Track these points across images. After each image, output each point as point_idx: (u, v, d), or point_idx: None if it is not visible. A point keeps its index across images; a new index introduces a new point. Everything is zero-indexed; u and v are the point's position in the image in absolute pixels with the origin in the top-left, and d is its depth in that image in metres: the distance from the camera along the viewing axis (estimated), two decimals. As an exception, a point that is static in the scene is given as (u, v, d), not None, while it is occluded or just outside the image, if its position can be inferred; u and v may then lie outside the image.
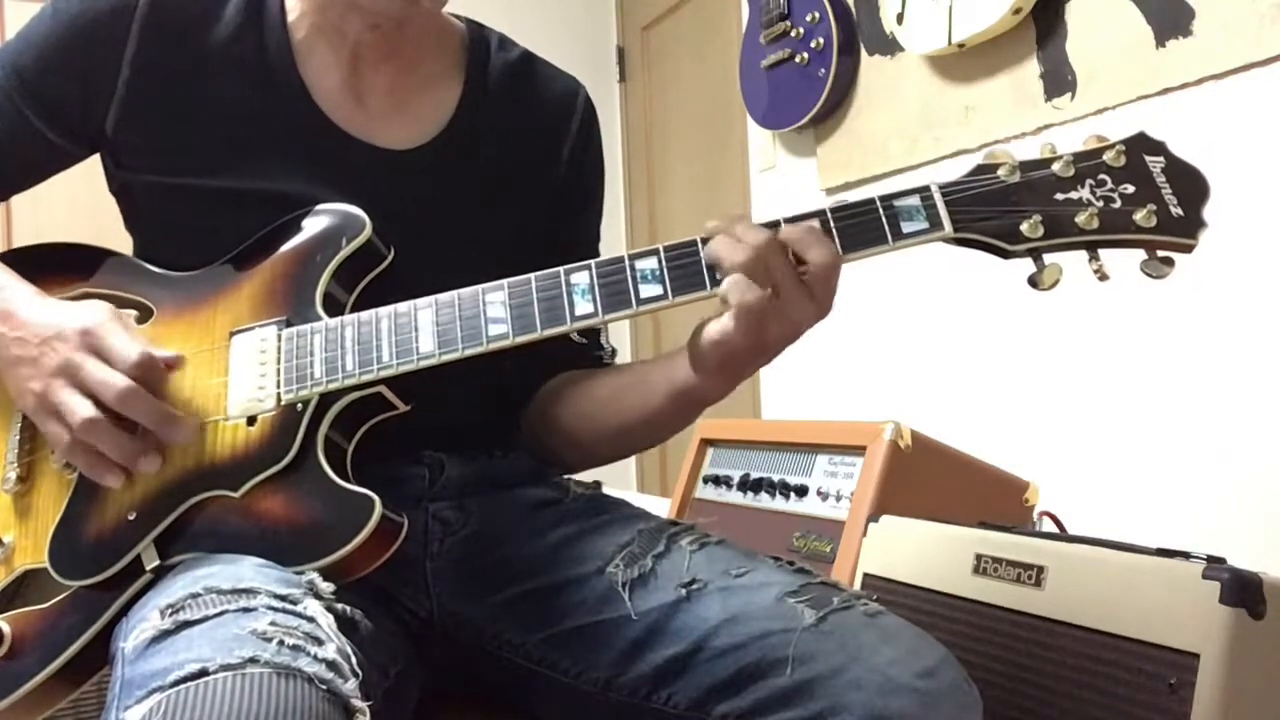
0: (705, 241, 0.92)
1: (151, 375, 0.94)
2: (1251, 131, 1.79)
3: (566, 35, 3.64)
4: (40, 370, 0.94)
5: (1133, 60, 1.97)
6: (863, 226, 0.92)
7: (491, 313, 0.94)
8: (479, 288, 0.95)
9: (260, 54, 1.07)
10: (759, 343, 0.91)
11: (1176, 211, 0.90)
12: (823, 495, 1.63)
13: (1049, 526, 1.65)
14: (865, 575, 1.34)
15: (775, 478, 1.73)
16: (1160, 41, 1.92)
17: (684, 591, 0.96)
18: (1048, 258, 0.92)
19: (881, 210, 0.92)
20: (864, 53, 2.63)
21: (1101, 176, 0.92)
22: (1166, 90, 1.91)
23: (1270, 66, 1.76)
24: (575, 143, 1.19)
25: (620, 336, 1.10)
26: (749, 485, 1.77)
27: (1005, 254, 0.93)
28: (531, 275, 0.95)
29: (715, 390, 0.98)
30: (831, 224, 0.92)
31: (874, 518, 1.37)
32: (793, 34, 2.73)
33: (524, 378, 1.18)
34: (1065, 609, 1.08)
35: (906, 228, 0.92)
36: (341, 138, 1.08)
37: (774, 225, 0.92)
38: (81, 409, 0.92)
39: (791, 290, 0.89)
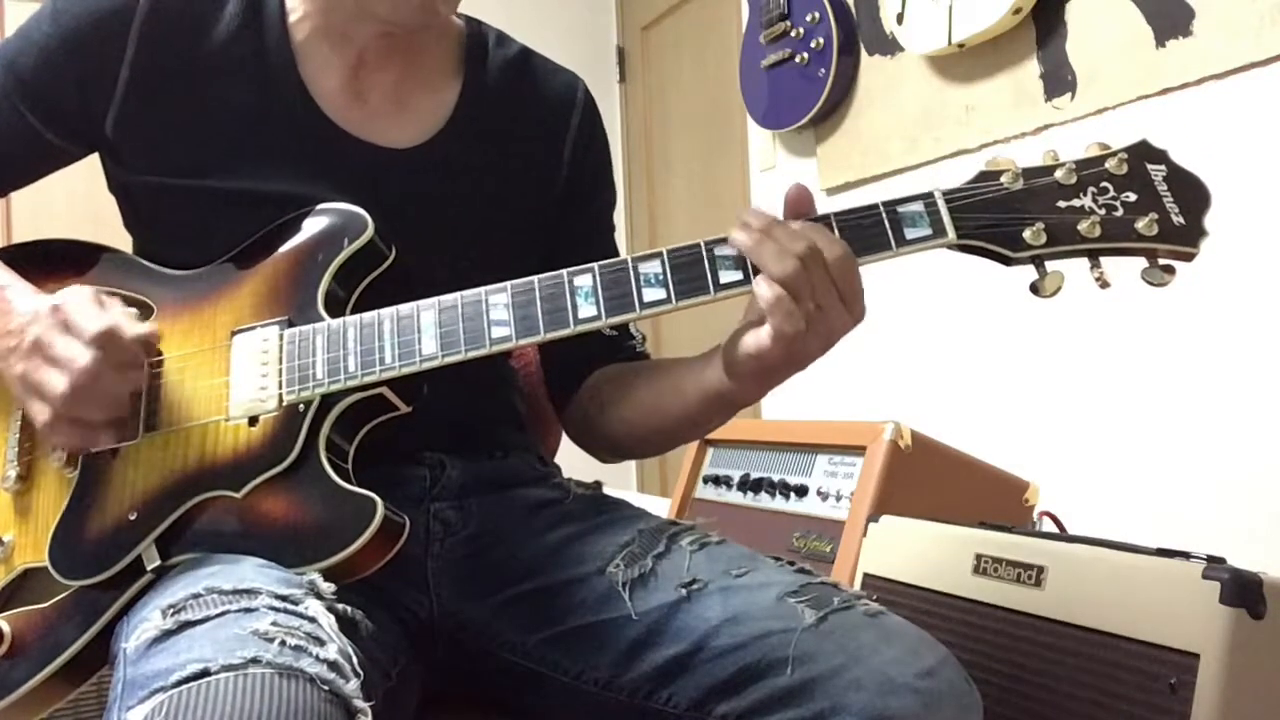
0: (735, 235, 0.91)
1: (111, 348, 0.93)
2: (1251, 131, 1.79)
3: (566, 35, 3.64)
4: (19, 354, 0.95)
5: (1133, 60, 1.97)
6: (867, 232, 0.92)
7: (494, 315, 0.94)
8: (482, 290, 0.95)
9: (260, 54, 1.07)
10: (797, 356, 0.91)
11: (1178, 220, 0.91)
12: (823, 495, 1.63)
13: (1049, 526, 1.66)
14: (865, 575, 1.34)
15: (775, 478, 1.73)
16: (1160, 41, 1.92)
17: (684, 591, 0.96)
18: (1049, 265, 0.93)
19: (885, 216, 0.92)
20: (864, 53, 2.63)
21: (1104, 184, 0.92)
22: (1166, 90, 1.92)
23: (1270, 66, 1.76)
24: (577, 139, 1.19)
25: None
26: (749, 485, 1.77)
27: (1007, 261, 0.93)
28: (534, 277, 0.95)
29: (750, 395, 0.98)
30: (835, 229, 0.92)
31: (874, 518, 1.38)
32: (793, 34, 2.74)
33: (562, 378, 1.19)
34: (1065, 609, 1.09)
35: (910, 234, 0.92)
36: (341, 137, 1.08)
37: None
38: (56, 384, 0.92)
39: (832, 304, 0.89)
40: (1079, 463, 2.06)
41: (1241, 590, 0.96)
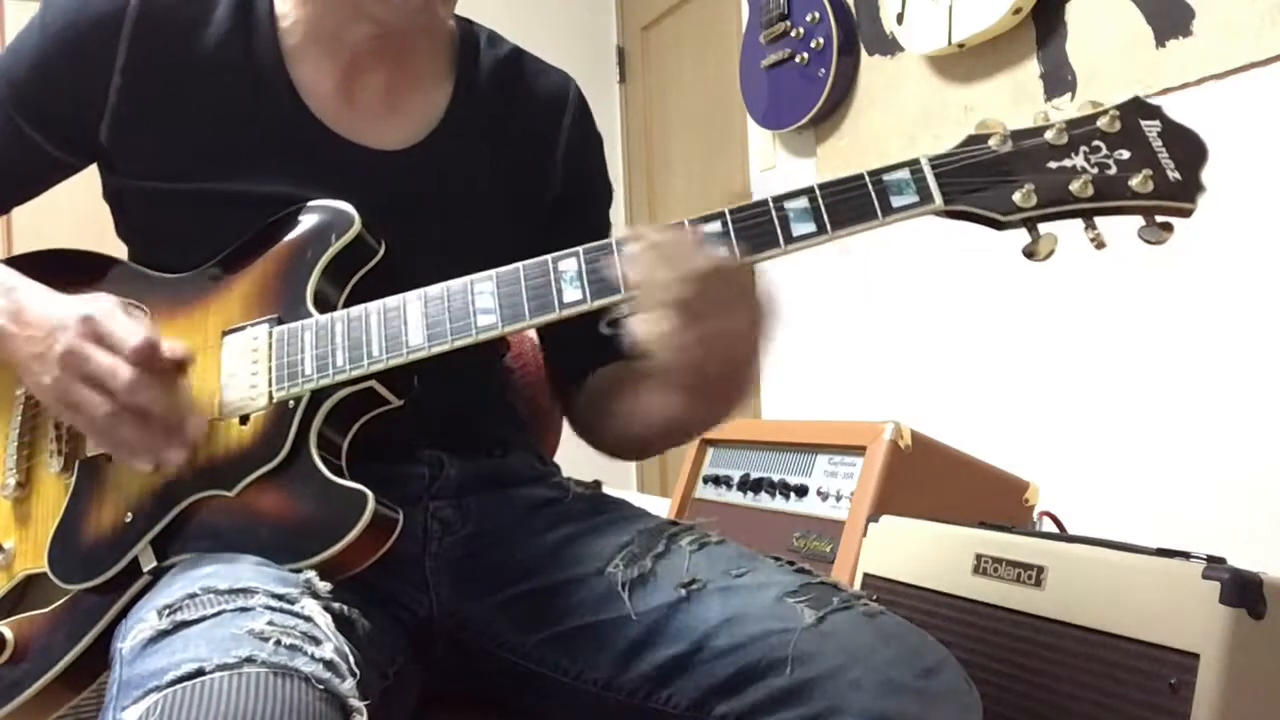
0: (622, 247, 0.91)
1: (154, 362, 0.92)
2: (1251, 131, 1.78)
3: (566, 35, 3.64)
4: (48, 364, 0.93)
5: (1133, 60, 1.97)
6: (852, 202, 0.90)
7: (480, 303, 0.94)
8: (468, 279, 0.95)
9: (250, 58, 1.07)
10: (709, 372, 0.90)
11: (1174, 176, 0.89)
12: (823, 495, 1.63)
13: (1049, 526, 1.65)
14: (865, 575, 1.34)
15: (775, 478, 1.73)
16: (1160, 41, 1.92)
17: (684, 592, 0.96)
18: (1042, 228, 0.90)
19: (870, 185, 0.91)
20: (864, 53, 2.63)
21: (1096, 143, 0.90)
22: (1166, 90, 1.91)
23: (1270, 66, 1.76)
24: (570, 139, 1.19)
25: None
26: (749, 485, 1.77)
27: (999, 225, 0.91)
28: (520, 264, 0.94)
29: (703, 415, 0.99)
30: (820, 201, 0.91)
31: (874, 518, 1.37)
32: (793, 34, 2.74)
33: (564, 379, 1.19)
34: (1065, 609, 1.08)
35: (896, 202, 0.90)
36: (333, 139, 1.07)
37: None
38: (98, 404, 0.91)
39: (723, 315, 0.88)
40: (1079, 463, 2.06)
41: (1241, 590, 0.95)
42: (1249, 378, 1.81)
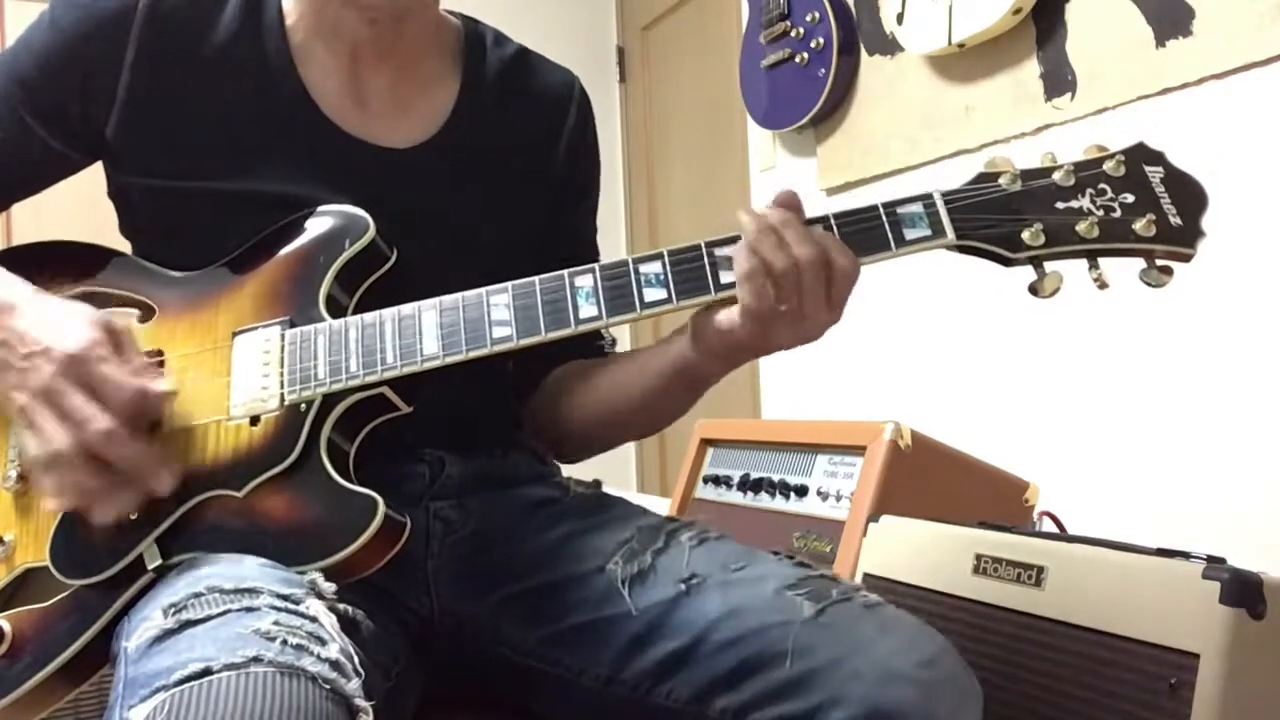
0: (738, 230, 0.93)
1: (142, 416, 0.91)
2: (1251, 131, 1.79)
3: (566, 35, 3.63)
4: (24, 385, 0.90)
5: (1133, 60, 1.97)
6: (867, 233, 0.94)
7: (495, 315, 0.95)
8: (483, 290, 0.96)
9: (259, 56, 1.08)
10: (765, 342, 0.93)
11: (1175, 221, 0.92)
12: (823, 495, 1.63)
13: (1049, 526, 1.66)
14: (865, 575, 1.34)
15: (775, 478, 1.73)
16: (1160, 41, 1.92)
17: (683, 586, 0.97)
18: (1048, 266, 0.94)
19: (885, 217, 0.94)
20: (864, 53, 2.63)
21: (1101, 186, 0.94)
22: (1166, 90, 1.92)
23: (1270, 66, 1.76)
24: (572, 135, 1.20)
25: (619, 333, 1.12)
26: (749, 485, 1.77)
27: (1007, 262, 0.94)
28: (535, 278, 0.95)
29: (712, 372, 1.01)
30: (835, 230, 0.93)
31: (874, 518, 1.38)
32: (793, 34, 2.74)
33: (526, 372, 1.19)
34: (1065, 609, 1.09)
35: (909, 234, 0.93)
36: (341, 137, 1.08)
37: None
38: (57, 439, 0.88)
39: (817, 305, 0.91)
40: (1079, 463, 2.06)
41: (1241, 590, 0.96)
42: (1249, 377, 1.81)
